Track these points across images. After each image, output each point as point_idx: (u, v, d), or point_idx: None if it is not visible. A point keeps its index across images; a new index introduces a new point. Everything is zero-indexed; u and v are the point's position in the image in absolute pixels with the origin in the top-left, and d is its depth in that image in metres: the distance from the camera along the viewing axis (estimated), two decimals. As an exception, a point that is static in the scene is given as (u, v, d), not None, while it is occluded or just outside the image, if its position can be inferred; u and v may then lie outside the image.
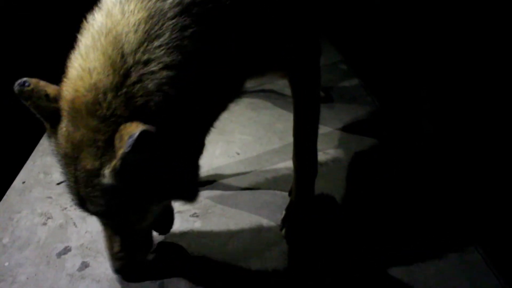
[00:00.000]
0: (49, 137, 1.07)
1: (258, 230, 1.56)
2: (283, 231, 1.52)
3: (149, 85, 0.94)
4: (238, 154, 1.98)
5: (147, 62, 0.95)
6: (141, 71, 0.94)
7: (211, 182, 1.78)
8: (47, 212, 1.62)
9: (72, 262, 1.42)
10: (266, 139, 2.09)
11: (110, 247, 1.21)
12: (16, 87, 1.00)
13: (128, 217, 1.11)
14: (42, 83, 1.03)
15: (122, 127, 0.90)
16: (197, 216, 1.60)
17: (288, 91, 2.38)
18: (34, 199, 1.69)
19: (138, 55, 0.94)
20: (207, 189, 1.74)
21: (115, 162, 0.91)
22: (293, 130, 1.51)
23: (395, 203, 1.70)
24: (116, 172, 0.93)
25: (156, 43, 0.95)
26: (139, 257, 1.27)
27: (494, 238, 1.54)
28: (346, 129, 2.20)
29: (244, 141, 2.07)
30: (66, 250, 1.46)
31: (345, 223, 1.60)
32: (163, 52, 0.96)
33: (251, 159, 1.94)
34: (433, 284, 1.37)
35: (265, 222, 1.59)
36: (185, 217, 1.59)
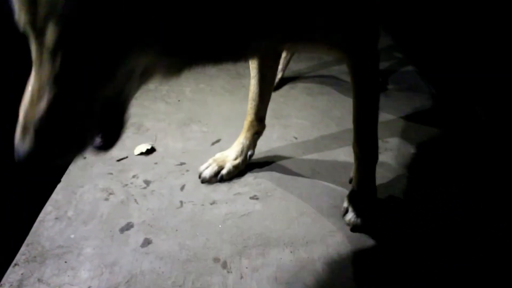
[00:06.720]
0: None
1: (319, 216, 1.52)
2: (347, 218, 1.48)
3: None
4: (296, 138, 1.94)
5: None
6: None
7: (270, 164, 1.76)
8: (109, 188, 1.63)
9: (135, 238, 1.43)
10: (323, 124, 2.05)
11: (32, 102, 0.70)
12: None
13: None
14: None
15: None
16: (257, 199, 1.59)
17: (345, 76, 2.35)
18: (95, 174, 1.70)
19: None
20: (266, 171, 1.72)
21: None
22: (353, 116, 1.46)
23: (455, 192, 1.64)
24: None
25: None
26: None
27: None
28: (404, 117, 2.13)
29: (301, 126, 2.03)
30: (129, 226, 1.47)
31: (407, 214, 1.55)
32: None
33: (309, 144, 1.91)
34: None
35: (325, 208, 1.55)
36: (246, 199, 1.58)
